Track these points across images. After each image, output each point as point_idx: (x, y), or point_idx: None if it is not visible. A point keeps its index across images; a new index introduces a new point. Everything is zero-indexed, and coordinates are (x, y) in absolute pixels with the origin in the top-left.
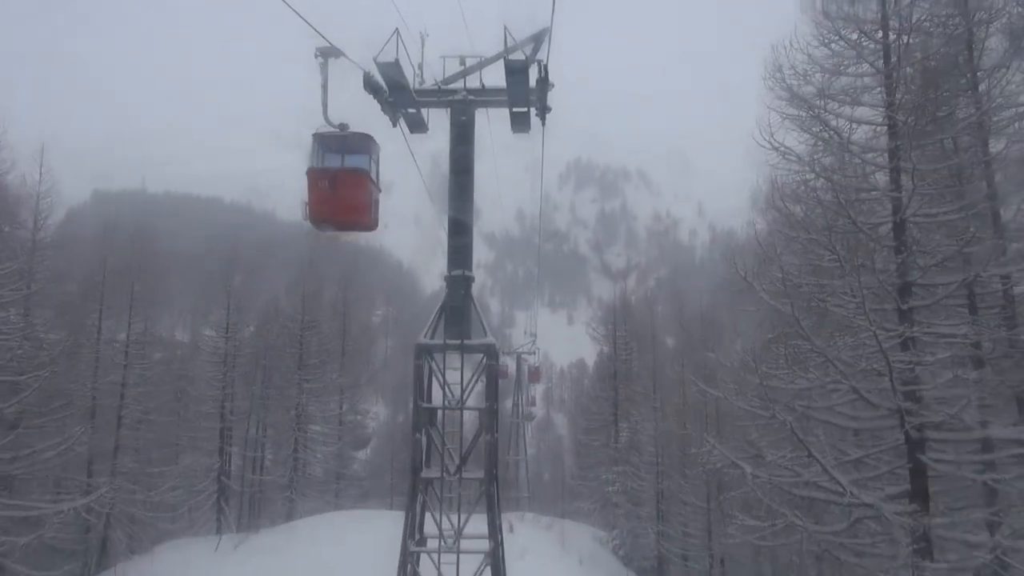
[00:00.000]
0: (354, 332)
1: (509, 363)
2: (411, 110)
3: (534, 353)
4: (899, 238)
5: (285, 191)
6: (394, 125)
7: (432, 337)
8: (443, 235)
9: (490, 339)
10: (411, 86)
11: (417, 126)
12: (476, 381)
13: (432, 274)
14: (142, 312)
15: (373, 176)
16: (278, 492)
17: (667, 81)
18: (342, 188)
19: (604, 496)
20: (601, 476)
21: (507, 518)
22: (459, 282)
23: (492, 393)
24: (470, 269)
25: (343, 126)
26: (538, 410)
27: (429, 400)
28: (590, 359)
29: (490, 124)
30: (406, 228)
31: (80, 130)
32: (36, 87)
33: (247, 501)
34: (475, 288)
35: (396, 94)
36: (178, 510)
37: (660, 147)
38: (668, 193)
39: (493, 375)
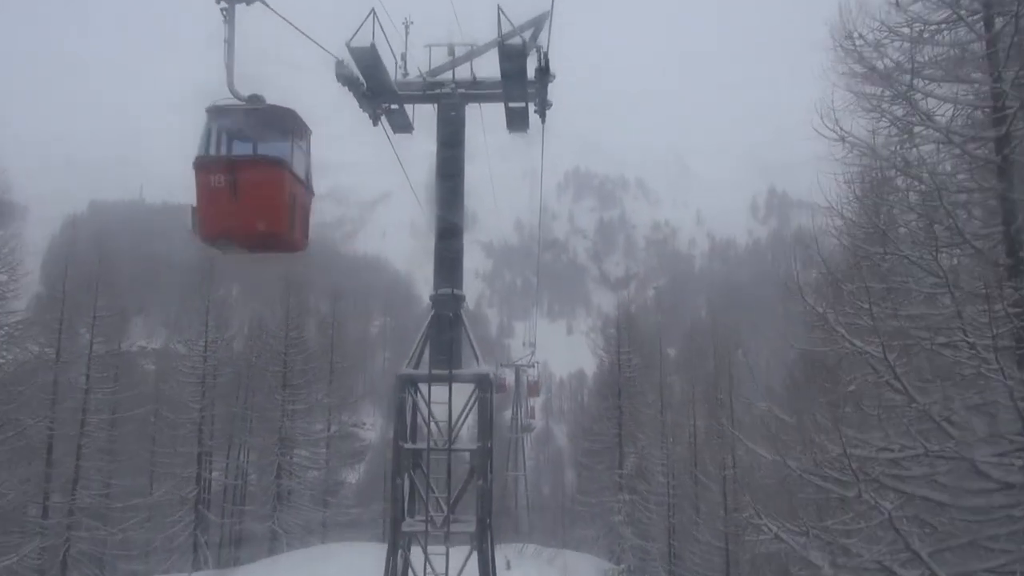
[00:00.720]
0: (349, 344)
1: (507, 375)
2: (393, 106)
3: (533, 366)
4: (1014, 255)
5: None
6: (375, 124)
7: (417, 366)
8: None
9: (483, 368)
10: (392, 78)
11: (401, 125)
12: (467, 417)
13: (431, 283)
14: (104, 330)
15: (299, 172)
16: (261, 522)
17: (664, 89)
18: (248, 188)
19: (609, 524)
20: (605, 502)
21: (504, 552)
22: (448, 302)
23: (486, 431)
24: (460, 287)
25: (256, 98)
26: (537, 422)
27: (413, 440)
28: (590, 369)
29: (484, 123)
30: (403, 235)
31: (78, 134)
32: (34, 91)
33: (227, 533)
34: (472, 298)
35: (374, 87)
36: (151, 545)
37: (658, 156)
38: (666, 202)
39: (486, 410)
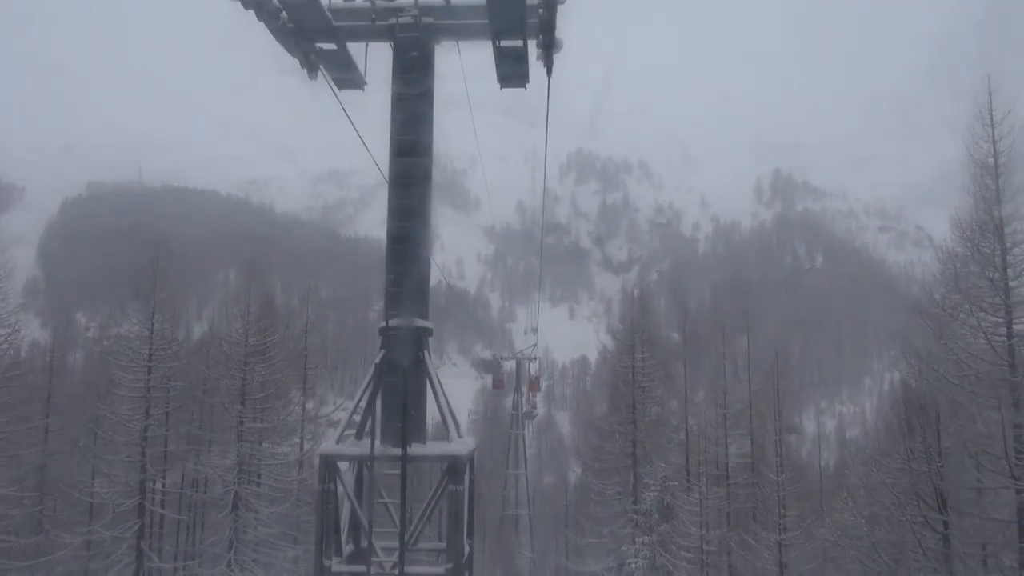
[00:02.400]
0: (348, 329)
1: (506, 365)
2: (330, 46)
3: (535, 359)
4: None
5: (284, 182)
6: (312, 74)
7: (358, 435)
8: (442, 229)
9: (457, 444)
10: (327, 1)
11: (346, 77)
12: (428, 515)
13: (432, 268)
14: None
15: None
16: (214, 564)
17: (666, 69)
18: None
19: (621, 560)
20: (617, 533)
21: None
22: (404, 340)
23: (458, 543)
24: (425, 314)
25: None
26: (538, 410)
27: (353, 549)
28: (592, 355)
29: (464, 74)
30: None
31: (77, 115)
32: (35, 74)
33: None
34: (474, 283)
35: (298, 15)
36: None
37: (661, 137)
38: (670, 185)
39: (460, 511)
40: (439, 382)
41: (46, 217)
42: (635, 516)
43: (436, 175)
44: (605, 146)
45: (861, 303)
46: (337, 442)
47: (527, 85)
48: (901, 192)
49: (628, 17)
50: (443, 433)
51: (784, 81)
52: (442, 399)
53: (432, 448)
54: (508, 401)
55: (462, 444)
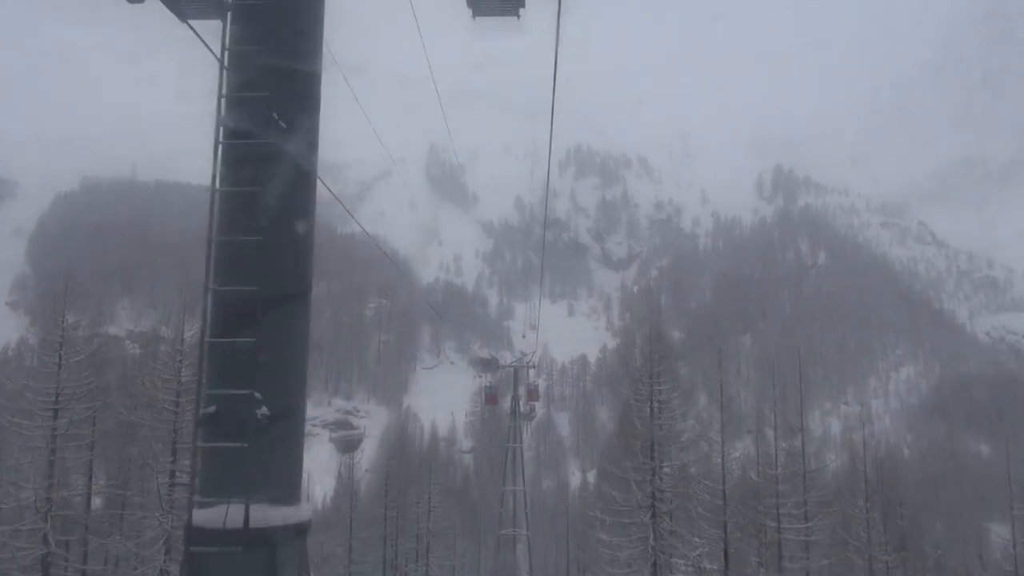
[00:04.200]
0: (344, 328)
1: (502, 367)
2: None
3: (534, 366)
4: None
5: None
6: None
7: None
8: (441, 225)
9: None
10: None
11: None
12: None
13: (431, 264)
14: None
15: None
16: None
17: (665, 64)
18: None
19: None
20: None
21: None
22: (237, 566)
23: None
24: (293, 496)
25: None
26: (536, 413)
27: None
28: (592, 353)
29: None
30: (402, 215)
31: (71, 109)
32: (28, 66)
33: None
34: (471, 279)
35: None
36: None
37: (661, 133)
38: (670, 180)
39: None
40: None
41: (38, 212)
42: None
43: (435, 170)
44: (604, 141)
45: (864, 300)
46: None
47: (520, 12)
48: (903, 188)
49: (627, 12)
50: None
51: (785, 76)
52: None
53: None
54: (506, 402)
55: None
